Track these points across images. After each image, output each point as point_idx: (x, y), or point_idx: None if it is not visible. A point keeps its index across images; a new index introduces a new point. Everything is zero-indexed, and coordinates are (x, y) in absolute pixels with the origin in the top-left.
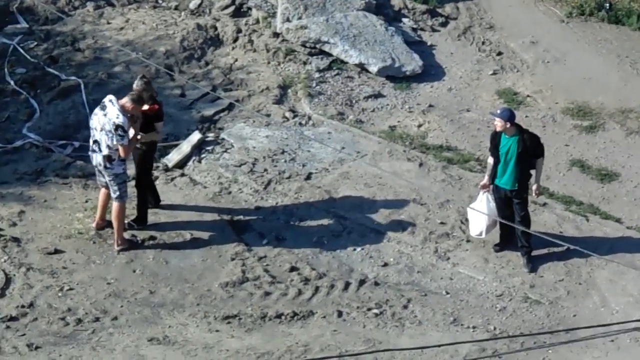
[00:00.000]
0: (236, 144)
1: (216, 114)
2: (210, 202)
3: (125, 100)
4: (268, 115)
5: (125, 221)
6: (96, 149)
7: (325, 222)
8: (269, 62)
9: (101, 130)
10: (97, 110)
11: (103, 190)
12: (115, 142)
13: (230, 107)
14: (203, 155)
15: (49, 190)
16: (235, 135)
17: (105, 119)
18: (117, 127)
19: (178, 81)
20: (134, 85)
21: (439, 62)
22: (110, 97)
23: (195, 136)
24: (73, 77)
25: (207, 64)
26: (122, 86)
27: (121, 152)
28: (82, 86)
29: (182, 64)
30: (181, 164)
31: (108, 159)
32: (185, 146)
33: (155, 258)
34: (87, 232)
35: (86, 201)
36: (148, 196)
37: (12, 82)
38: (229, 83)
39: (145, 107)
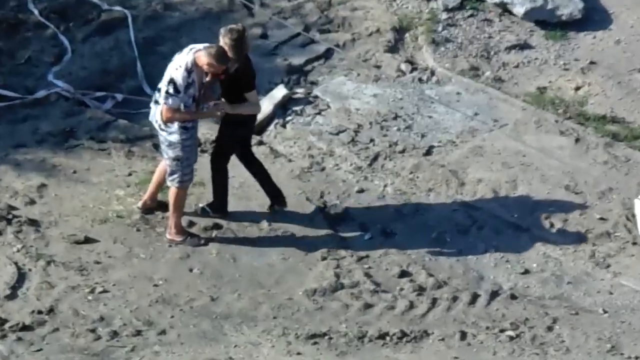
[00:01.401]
0: (333, 104)
1: (308, 63)
2: (296, 181)
3: (202, 53)
4: (378, 67)
5: (200, 205)
6: (156, 98)
7: (448, 212)
8: None
9: (163, 79)
10: (175, 55)
11: (162, 163)
12: (161, 99)
13: (327, 54)
14: (289, 118)
15: (80, 157)
16: (332, 93)
17: (170, 66)
18: (170, 81)
19: (258, 17)
20: (220, 36)
21: (605, 6)
22: (197, 46)
23: (280, 91)
24: (118, 7)
25: None
26: (182, 21)
27: (163, 113)
28: (130, 19)
29: None
30: (259, 128)
31: (161, 116)
32: (266, 104)
33: (219, 254)
34: (129, 215)
35: (129, 174)
36: (227, 179)
37: (36, 12)
38: (327, 22)
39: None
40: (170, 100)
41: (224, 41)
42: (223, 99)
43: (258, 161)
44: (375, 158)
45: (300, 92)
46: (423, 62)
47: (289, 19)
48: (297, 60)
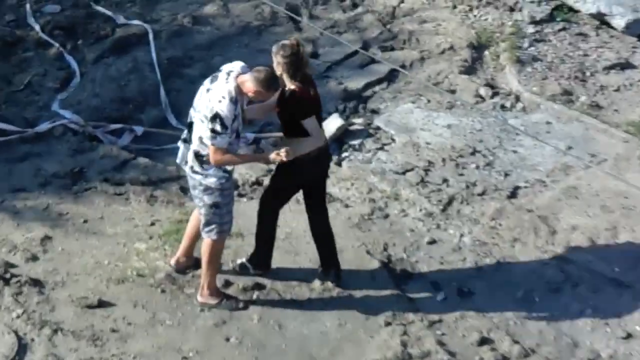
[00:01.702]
0: (399, 137)
1: (367, 88)
2: (354, 231)
3: (247, 78)
4: (452, 92)
5: (238, 261)
6: (187, 137)
7: (537, 266)
8: (454, 6)
9: (199, 111)
10: (206, 81)
11: (195, 212)
12: (206, 139)
13: (390, 76)
14: (345, 154)
15: (92, 204)
16: (397, 124)
17: (208, 96)
18: (215, 116)
19: (307, 32)
20: (273, 54)
21: None
22: (236, 65)
23: (334, 122)
24: (136, 21)
25: (355, 5)
26: (214, 38)
27: (211, 156)
28: (151, 36)
29: (315, 4)
30: None
31: (197, 157)
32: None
33: (261, 320)
34: (152, 273)
35: (152, 224)
36: (274, 230)
37: (37, 27)
38: (390, 38)
39: (286, 94)
40: (218, 139)
41: (276, 60)
42: (283, 136)
43: (327, 220)
44: (450, 202)
45: (358, 122)
46: (506, 85)
47: (344, 34)
48: (354, 84)
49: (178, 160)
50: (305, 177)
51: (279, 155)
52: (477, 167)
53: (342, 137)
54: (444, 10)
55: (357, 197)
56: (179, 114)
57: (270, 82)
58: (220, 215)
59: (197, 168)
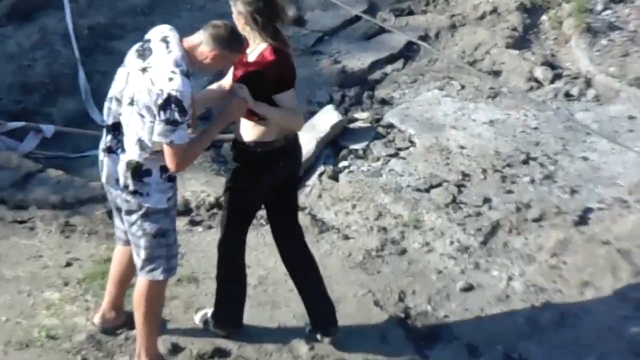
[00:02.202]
0: (420, 137)
1: (376, 68)
2: (356, 272)
3: (199, 39)
4: (495, 74)
5: (195, 315)
6: (113, 144)
7: (615, 321)
8: None
9: (131, 103)
10: (130, 54)
11: (120, 247)
12: (158, 136)
13: (408, 52)
14: (344, 164)
15: None
16: (418, 119)
17: (145, 78)
18: (169, 99)
19: None
20: (231, 1)
21: None
22: (165, 30)
23: (328, 118)
24: None
25: None
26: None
27: (169, 161)
28: None
29: None
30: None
31: (135, 170)
32: (305, 139)
33: None
34: (68, 334)
35: (68, 264)
36: (243, 269)
37: None
38: None
39: (251, 57)
40: (178, 133)
41: (236, 10)
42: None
43: (305, 244)
44: (493, 231)
45: (362, 118)
46: (572, 64)
47: None
48: (356, 63)
49: (103, 180)
50: (269, 178)
51: (240, 97)
52: (532, 181)
53: (340, 138)
54: None
55: (361, 225)
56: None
57: (234, 37)
58: (167, 246)
59: (134, 186)
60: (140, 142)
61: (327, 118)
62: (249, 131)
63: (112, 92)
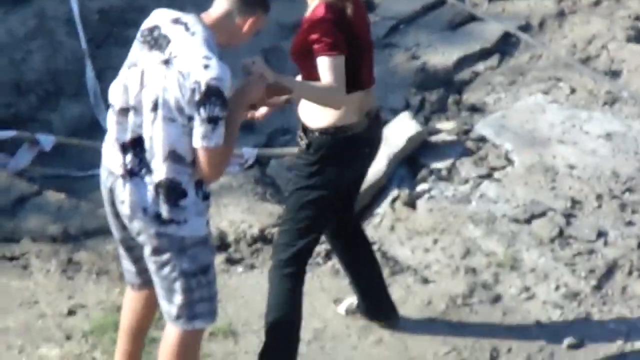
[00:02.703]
0: (520, 155)
1: (463, 65)
2: (439, 325)
3: (225, 9)
4: (614, 75)
5: None
6: (134, 165)
7: None
8: None
9: (154, 108)
10: (136, 50)
11: (132, 292)
12: (200, 141)
13: (504, 46)
14: (423, 187)
15: None
16: (517, 131)
17: (172, 72)
18: (208, 92)
19: None
20: None
21: None
22: (166, 11)
23: (404, 128)
24: None
25: None
26: None
27: (206, 167)
28: None
29: None
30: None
31: (170, 192)
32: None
33: None
34: None
35: (70, 312)
36: (299, 315)
37: None
38: None
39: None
40: (217, 134)
41: None
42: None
43: (369, 244)
44: (609, 273)
45: (446, 129)
46: None
47: None
48: (439, 60)
49: (125, 211)
50: (352, 172)
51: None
52: None
53: (418, 155)
54: None
55: (444, 265)
56: None
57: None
58: (208, 284)
59: (169, 213)
60: (172, 154)
61: (402, 129)
62: (320, 113)
63: (123, 101)
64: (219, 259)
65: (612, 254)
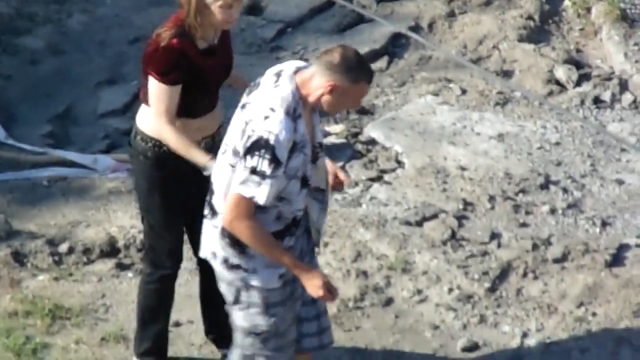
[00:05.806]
0: (410, 156)
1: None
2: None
3: (312, 70)
4: (505, 75)
5: None
6: (206, 206)
7: None
8: None
9: (224, 151)
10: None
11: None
12: (237, 186)
13: (394, 46)
14: None
15: None
16: (407, 133)
17: (240, 117)
18: (259, 142)
19: None
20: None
21: None
22: (294, 63)
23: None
24: None
25: None
26: None
27: (230, 210)
28: None
29: None
30: None
31: (234, 237)
32: None
33: None
34: None
35: None
36: (170, 299)
37: None
38: None
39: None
40: (260, 191)
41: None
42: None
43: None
44: (503, 275)
45: (335, 131)
46: (602, 62)
47: None
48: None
49: (202, 254)
50: (164, 183)
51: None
52: (552, 211)
53: None
54: None
55: (335, 269)
56: (11, 119)
57: (354, 63)
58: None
59: (236, 259)
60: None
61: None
62: None
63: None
64: (109, 265)
65: (506, 256)
